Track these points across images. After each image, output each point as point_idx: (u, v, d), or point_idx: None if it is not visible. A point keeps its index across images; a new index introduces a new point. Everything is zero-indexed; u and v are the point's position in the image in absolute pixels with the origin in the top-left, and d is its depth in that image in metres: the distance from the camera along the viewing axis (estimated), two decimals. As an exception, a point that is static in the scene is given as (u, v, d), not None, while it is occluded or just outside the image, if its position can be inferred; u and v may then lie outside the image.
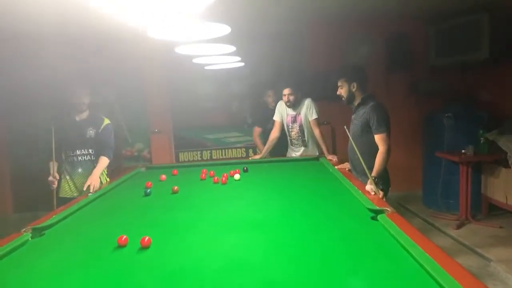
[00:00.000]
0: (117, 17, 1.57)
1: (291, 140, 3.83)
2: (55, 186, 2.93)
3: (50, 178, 2.92)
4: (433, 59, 4.89)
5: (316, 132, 3.66)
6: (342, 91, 2.75)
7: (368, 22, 4.82)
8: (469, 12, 4.33)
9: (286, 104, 3.71)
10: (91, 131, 3.00)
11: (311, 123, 3.66)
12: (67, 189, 3.02)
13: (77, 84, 3.00)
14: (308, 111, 3.66)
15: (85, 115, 3.02)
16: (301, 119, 3.69)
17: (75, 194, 2.96)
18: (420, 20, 4.86)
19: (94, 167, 2.95)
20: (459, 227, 4.04)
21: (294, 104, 3.68)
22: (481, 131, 4.14)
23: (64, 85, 3.05)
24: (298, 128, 3.72)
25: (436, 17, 4.71)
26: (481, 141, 4.12)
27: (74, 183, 3.01)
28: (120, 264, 1.43)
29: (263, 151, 3.83)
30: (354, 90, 2.70)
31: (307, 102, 3.68)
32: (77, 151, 2.98)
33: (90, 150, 3.02)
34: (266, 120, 4.07)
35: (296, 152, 3.81)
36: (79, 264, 1.45)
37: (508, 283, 2.93)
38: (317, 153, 3.69)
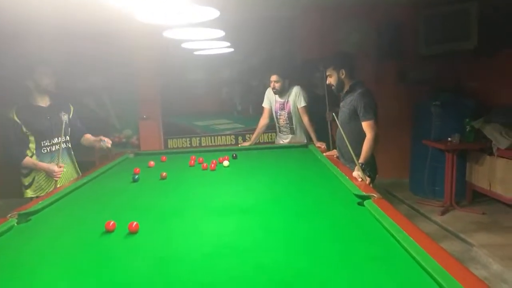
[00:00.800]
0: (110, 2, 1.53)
1: (279, 127, 3.84)
2: (59, 177, 2.66)
3: (56, 168, 2.62)
4: (423, 47, 4.91)
5: (305, 119, 3.67)
6: (332, 80, 2.77)
7: (359, 9, 4.81)
8: (458, 0, 4.34)
9: (272, 91, 3.70)
10: (64, 116, 2.76)
11: (300, 111, 3.67)
12: (43, 185, 2.70)
13: (40, 64, 2.65)
14: (297, 98, 3.66)
15: (48, 100, 2.72)
16: (289, 107, 3.69)
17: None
18: (410, 8, 4.86)
19: (72, 156, 2.85)
20: (443, 213, 4.13)
21: (281, 92, 3.67)
22: (467, 120, 4.20)
23: (26, 68, 2.64)
24: (286, 115, 3.73)
25: (426, 5, 4.71)
26: (467, 129, 4.18)
27: (48, 180, 2.69)
28: (107, 249, 1.43)
29: (252, 138, 3.84)
30: (343, 77, 2.72)
31: (296, 89, 3.68)
32: (54, 139, 2.70)
33: (67, 137, 2.79)
34: None
35: (284, 139, 3.82)
36: (66, 249, 1.44)
37: (489, 266, 3.02)
38: (305, 140, 3.71)
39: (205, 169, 2.75)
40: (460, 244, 3.47)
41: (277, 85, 3.62)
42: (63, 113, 2.78)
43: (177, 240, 1.49)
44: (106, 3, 1.72)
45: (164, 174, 2.53)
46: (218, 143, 5.38)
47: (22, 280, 1.21)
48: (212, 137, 5.42)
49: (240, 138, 5.35)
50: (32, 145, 2.66)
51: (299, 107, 3.66)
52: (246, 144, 3.83)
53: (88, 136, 3.00)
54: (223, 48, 3.83)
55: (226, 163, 2.84)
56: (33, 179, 2.69)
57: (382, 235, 1.42)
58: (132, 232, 1.55)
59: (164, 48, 4.49)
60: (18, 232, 1.64)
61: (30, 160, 2.62)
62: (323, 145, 3.44)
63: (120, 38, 4.77)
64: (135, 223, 1.56)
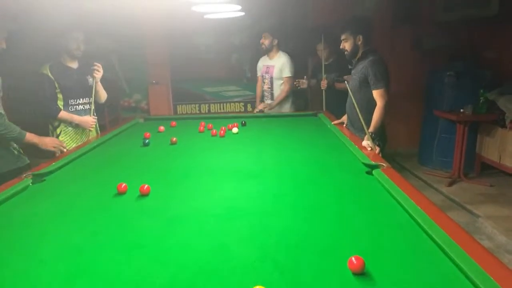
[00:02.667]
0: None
1: (262, 91, 3.93)
2: (93, 127, 2.86)
3: (91, 118, 2.80)
4: (440, 13, 4.72)
5: (284, 88, 3.73)
6: (347, 45, 2.66)
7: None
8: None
9: (261, 47, 3.73)
10: (90, 79, 2.89)
11: (284, 80, 3.73)
12: (69, 141, 2.81)
13: (73, 29, 2.77)
14: (283, 66, 3.71)
15: (77, 62, 2.84)
16: (273, 71, 3.76)
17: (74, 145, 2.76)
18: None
19: (93, 115, 2.94)
20: (451, 184, 4.14)
21: (271, 50, 3.72)
22: (481, 91, 4.11)
23: (59, 31, 2.78)
24: (269, 79, 3.80)
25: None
26: (481, 101, 4.10)
27: (76, 133, 2.85)
28: (120, 210, 1.47)
29: (260, 105, 3.90)
30: (359, 43, 2.62)
31: (284, 57, 3.73)
32: (80, 99, 2.83)
33: (89, 99, 2.91)
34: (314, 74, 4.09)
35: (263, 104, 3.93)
36: (78, 210, 1.49)
37: (493, 237, 3.06)
38: (288, 107, 3.83)
39: (214, 135, 2.77)
40: (466, 215, 3.50)
41: (266, 42, 3.67)
42: (89, 76, 2.89)
43: (187, 202, 1.53)
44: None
45: (174, 139, 2.55)
46: (227, 110, 5.36)
47: (34, 238, 1.26)
48: (222, 104, 5.40)
49: (249, 105, 5.32)
50: (60, 102, 2.77)
51: (283, 75, 3.72)
52: (263, 107, 3.84)
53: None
54: (233, 12, 3.73)
55: (235, 130, 2.85)
56: (60, 132, 2.81)
57: (390, 204, 1.43)
58: (144, 194, 1.58)
59: (174, 11, 4.38)
60: (33, 192, 1.69)
61: (65, 113, 2.75)
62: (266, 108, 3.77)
63: (130, 1, 4.66)
64: (146, 185, 1.60)
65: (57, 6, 4.30)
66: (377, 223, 1.30)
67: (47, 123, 2.82)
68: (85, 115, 2.85)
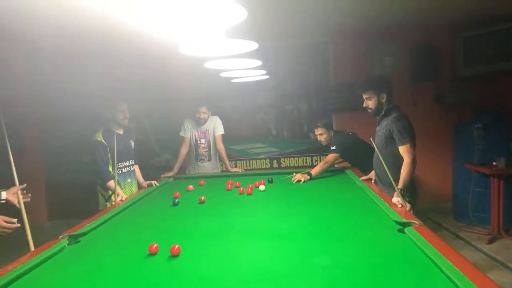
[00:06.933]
0: (154, 35, 1.65)
1: (197, 155, 4.00)
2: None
3: (120, 198, 2.79)
4: (461, 68, 4.79)
5: (221, 146, 3.93)
6: (370, 103, 2.72)
7: (394, 32, 4.80)
8: (499, 20, 4.24)
9: (200, 121, 3.88)
10: (132, 143, 3.19)
11: (217, 138, 3.94)
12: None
13: (118, 101, 3.07)
14: (217, 127, 3.94)
15: (122, 129, 3.14)
16: (209, 135, 3.94)
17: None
18: (447, 29, 4.80)
19: (135, 176, 3.24)
20: (491, 241, 3.90)
21: (206, 121, 3.92)
22: (512, 143, 4.02)
23: (105, 100, 3.14)
24: (206, 143, 3.96)
25: (464, 26, 4.63)
26: (513, 153, 3.99)
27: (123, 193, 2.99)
28: (150, 271, 1.49)
29: (175, 168, 3.86)
30: (383, 101, 2.69)
31: (216, 119, 3.99)
32: (124, 162, 3.09)
33: (131, 161, 3.19)
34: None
35: (201, 167, 3.99)
36: (112, 271, 1.51)
37: (544, 301, 2.81)
38: (218, 166, 4.07)
39: (242, 193, 2.80)
40: (510, 275, 3.25)
41: (206, 116, 3.88)
42: (131, 140, 3.20)
43: (216, 263, 1.53)
44: (150, 34, 1.84)
45: (202, 198, 2.60)
46: (253, 167, 5.42)
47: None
48: (247, 161, 5.48)
49: (275, 162, 5.38)
50: (109, 167, 3.00)
51: (217, 134, 3.94)
52: (170, 174, 3.76)
53: (138, 168, 3.37)
54: (259, 75, 3.94)
55: (262, 187, 2.88)
56: (111, 192, 2.98)
57: (425, 264, 1.38)
58: (174, 255, 1.60)
59: (203, 77, 4.66)
60: (69, 253, 1.74)
61: (113, 184, 2.86)
62: (240, 170, 4.01)
63: (161, 68, 5.02)
64: (177, 246, 1.62)
65: (93, 74, 4.70)
66: (413, 284, 1.25)
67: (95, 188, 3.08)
68: (129, 176, 3.15)
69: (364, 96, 2.74)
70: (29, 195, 2.19)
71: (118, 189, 2.91)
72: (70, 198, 5.02)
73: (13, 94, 4.78)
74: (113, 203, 2.91)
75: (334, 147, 3.34)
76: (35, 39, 3.99)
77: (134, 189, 3.21)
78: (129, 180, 3.15)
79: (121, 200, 2.76)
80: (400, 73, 4.78)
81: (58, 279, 1.46)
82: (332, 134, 3.48)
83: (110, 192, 3.00)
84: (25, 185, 2.16)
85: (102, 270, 1.52)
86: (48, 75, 4.90)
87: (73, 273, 1.51)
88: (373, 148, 2.59)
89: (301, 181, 3.15)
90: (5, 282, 1.37)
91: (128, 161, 3.14)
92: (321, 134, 3.50)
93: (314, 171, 3.27)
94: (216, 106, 5.38)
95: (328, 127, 3.51)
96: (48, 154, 5.33)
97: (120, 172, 3.05)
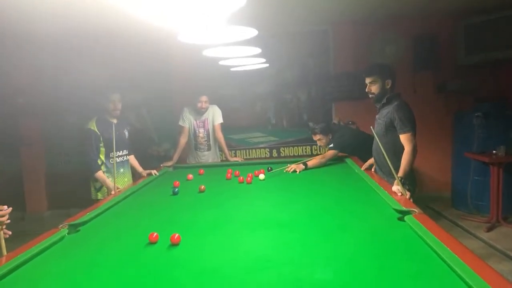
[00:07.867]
0: (155, 23, 1.62)
1: (196, 144, 3.98)
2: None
3: (113, 191, 2.77)
4: (462, 57, 4.75)
5: (220, 135, 3.93)
6: (374, 88, 2.65)
7: (394, 20, 4.75)
8: (500, 7, 4.20)
9: (200, 110, 3.87)
10: (126, 133, 3.17)
11: (216, 128, 3.92)
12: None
13: (113, 90, 3.05)
14: (216, 116, 3.92)
15: (116, 117, 3.10)
16: (208, 124, 3.93)
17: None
18: (448, 18, 4.75)
19: (128, 166, 3.21)
20: (489, 229, 3.93)
21: (206, 110, 3.91)
22: (513, 131, 4.01)
23: (100, 90, 3.12)
24: (205, 132, 3.94)
25: (465, 14, 4.58)
26: (513, 141, 3.99)
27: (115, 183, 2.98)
28: (150, 260, 1.49)
29: (175, 157, 3.85)
30: (387, 87, 2.65)
31: (215, 108, 3.96)
32: (118, 152, 3.05)
33: (125, 151, 3.17)
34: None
35: (201, 156, 3.96)
36: (112, 260, 1.51)
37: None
38: (218, 156, 4.03)
39: (241, 182, 2.80)
40: (508, 263, 3.28)
41: (206, 105, 3.86)
42: (125, 130, 3.18)
43: (217, 253, 1.53)
44: (148, 23, 1.81)
45: (202, 187, 2.60)
46: (253, 157, 5.42)
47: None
48: (247, 151, 5.47)
49: (274, 151, 5.37)
50: (102, 156, 3.00)
51: (216, 124, 3.92)
52: (170, 163, 3.75)
53: (134, 158, 3.34)
54: (258, 64, 3.91)
55: (262, 176, 2.88)
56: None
57: (424, 252, 1.39)
58: (174, 244, 1.60)
59: (202, 65, 4.62)
60: (69, 242, 1.74)
61: (102, 175, 2.94)
62: (239, 159, 4.00)
63: (159, 56, 4.97)
64: (177, 235, 1.62)
65: (93, 64, 4.67)
66: (413, 273, 1.25)
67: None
68: (122, 166, 3.09)
69: (368, 81, 2.68)
70: (10, 233, 1.75)
71: (108, 181, 2.91)
72: (70, 187, 5.02)
73: (13, 85, 4.75)
74: (106, 194, 2.93)
75: (332, 145, 3.34)
76: (34, 29, 3.93)
77: (127, 179, 3.17)
78: (121, 170, 3.11)
79: (118, 191, 2.73)
80: (401, 62, 4.74)
81: (58, 268, 1.46)
82: (330, 138, 3.46)
83: (100, 183, 3.00)
84: (10, 209, 1.68)
85: (102, 259, 1.53)
86: (48, 66, 4.86)
87: (73, 262, 1.51)
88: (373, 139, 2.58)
89: (296, 171, 3.15)
90: (5, 271, 1.38)
91: (122, 151, 3.10)
92: (319, 140, 3.53)
93: (310, 163, 3.26)
94: (215, 95, 5.40)
95: (325, 131, 3.49)
96: (48, 144, 5.31)
97: (113, 161, 2.98)
